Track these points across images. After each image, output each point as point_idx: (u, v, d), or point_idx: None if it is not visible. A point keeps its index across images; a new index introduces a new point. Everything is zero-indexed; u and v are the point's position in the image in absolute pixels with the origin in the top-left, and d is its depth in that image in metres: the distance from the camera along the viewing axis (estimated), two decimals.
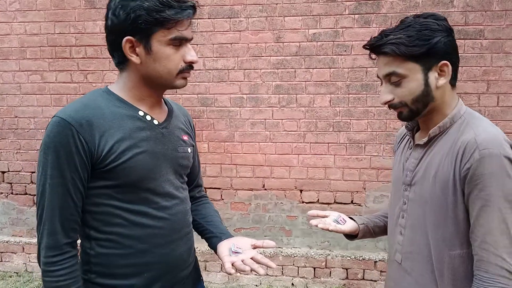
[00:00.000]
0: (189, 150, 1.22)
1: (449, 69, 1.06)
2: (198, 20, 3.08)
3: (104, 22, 1.09)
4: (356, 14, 2.96)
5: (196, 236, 1.29)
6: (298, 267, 3.14)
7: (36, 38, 3.26)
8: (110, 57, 1.11)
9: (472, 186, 0.98)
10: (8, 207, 3.45)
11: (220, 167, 3.22)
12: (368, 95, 3.00)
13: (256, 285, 3.19)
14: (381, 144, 3.03)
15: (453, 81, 1.10)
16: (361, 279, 3.09)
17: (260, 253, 1.12)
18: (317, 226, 1.27)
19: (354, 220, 1.35)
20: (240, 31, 3.08)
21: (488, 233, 0.96)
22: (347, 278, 3.10)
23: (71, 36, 3.23)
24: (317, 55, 3.02)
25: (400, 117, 1.13)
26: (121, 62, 1.08)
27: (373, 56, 1.11)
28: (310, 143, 3.10)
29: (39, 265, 1.03)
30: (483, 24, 2.85)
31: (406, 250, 1.16)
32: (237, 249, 1.13)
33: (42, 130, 3.33)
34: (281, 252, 3.15)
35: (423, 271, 1.11)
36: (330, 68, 3.02)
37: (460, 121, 1.08)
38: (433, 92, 1.07)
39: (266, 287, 3.16)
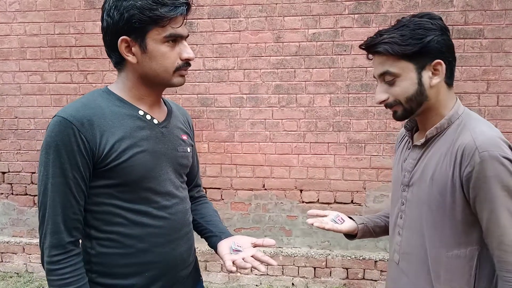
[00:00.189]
0: (189, 149, 1.22)
1: (443, 68, 1.06)
2: (198, 20, 3.09)
3: None
4: (356, 14, 2.96)
5: (196, 236, 1.29)
6: (299, 267, 3.14)
7: (36, 38, 3.27)
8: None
9: (477, 189, 0.98)
10: (9, 208, 3.45)
11: (220, 167, 3.22)
12: (368, 94, 3.00)
13: (257, 285, 3.19)
14: (381, 143, 3.04)
15: (449, 81, 1.09)
16: (361, 279, 3.09)
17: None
18: (313, 224, 1.27)
19: (354, 220, 1.34)
20: (239, 31, 3.08)
21: (503, 234, 0.97)
22: (347, 277, 3.10)
23: (71, 37, 3.23)
24: (316, 55, 3.03)
25: (395, 116, 1.13)
26: (119, 62, 1.09)
27: (370, 56, 1.12)
28: (310, 143, 3.10)
29: (43, 265, 1.02)
30: (483, 24, 2.85)
31: (403, 251, 1.17)
32: (237, 247, 1.14)
33: (42, 130, 3.34)
34: (281, 252, 3.15)
35: (419, 272, 1.11)
36: (329, 68, 3.02)
37: (457, 122, 1.08)
38: (427, 91, 1.07)
39: (267, 287, 3.16)
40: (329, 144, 3.09)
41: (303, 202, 3.16)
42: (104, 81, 3.24)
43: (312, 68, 3.04)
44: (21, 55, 3.30)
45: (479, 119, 1.08)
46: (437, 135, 1.10)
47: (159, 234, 1.11)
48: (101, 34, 1.08)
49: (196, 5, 3.00)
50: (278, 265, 3.15)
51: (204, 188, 3.22)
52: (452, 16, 2.86)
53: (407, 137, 1.24)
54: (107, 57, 1.12)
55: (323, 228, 1.26)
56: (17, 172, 3.41)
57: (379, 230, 1.37)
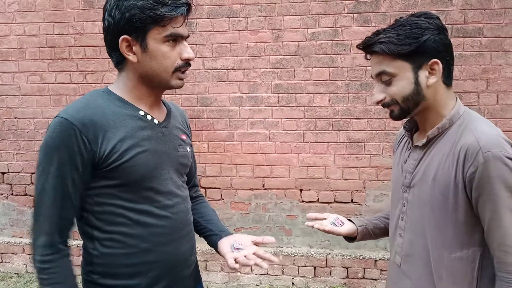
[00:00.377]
0: (188, 149, 1.23)
1: (439, 67, 1.05)
2: (197, 20, 3.08)
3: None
4: (355, 13, 2.96)
5: (196, 236, 1.29)
6: (299, 266, 3.14)
7: (35, 39, 3.26)
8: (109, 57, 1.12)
9: (480, 190, 0.98)
10: (8, 208, 3.45)
11: (220, 167, 3.22)
12: (367, 94, 3.00)
13: (257, 285, 3.19)
14: (380, 143, 3.04)
15: (447, 80, 1.08)
16: (361, 278, 3.09)
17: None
18: (313, 227, 1.27)
19: (353, 222, 1.33)
20: (239, 30, 3.08)
21: (504, 235, 0.97)
22: (347, 277, 3.10)
23: (70, 37, 3.23)
24: (316, 54, 3.02)
25: (391, 115, 1.12)
26: (119, 62, 1.09)
27: (368, 56, 1.12)
28: (310, 142, 3.10)
29: (33, 263, 1.02)
30: (482, 22, 2.85)
31: (405, 252, 1.16)
32: (238, 245, 1.14)
33: (41, 131, 3.34)
34: (282, 251, 3.15)
35: (421, 274, 1.11)
36: (329, 67, 3.02)
37: (459, 122, 1.07)
38: (424, 90, 1.06)
39: (267, 286, 3.16)
40: (329, 143, 3.08)
41: (303, 201, 3.16)
42: (103, 81, 3.23)
43: (312, 68, 3.04)
44: (20, 56, 3.29)
45: (480, 118, 1.07)
46: (438, 136, 1.09)
47: (162, 233, 1.11)
48: (101, 34, 1.09)
49: (195, 5, 3.00)
50: (278, 264, 3.15)
51: (204, 188, 3.25)
52: (452, 15, 2.86)
53: (406, 138, 1.23)
54: (107, 57, 1.12)
55: (323, 231, 1.26)
56: (17, 172, 3.41)
57: (378, 232, 1.36)
